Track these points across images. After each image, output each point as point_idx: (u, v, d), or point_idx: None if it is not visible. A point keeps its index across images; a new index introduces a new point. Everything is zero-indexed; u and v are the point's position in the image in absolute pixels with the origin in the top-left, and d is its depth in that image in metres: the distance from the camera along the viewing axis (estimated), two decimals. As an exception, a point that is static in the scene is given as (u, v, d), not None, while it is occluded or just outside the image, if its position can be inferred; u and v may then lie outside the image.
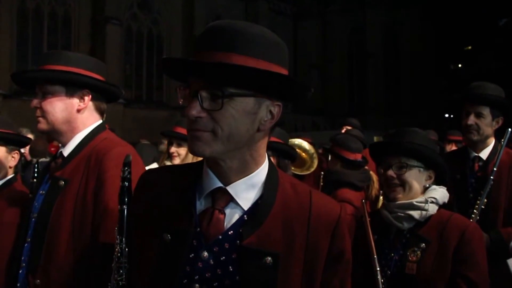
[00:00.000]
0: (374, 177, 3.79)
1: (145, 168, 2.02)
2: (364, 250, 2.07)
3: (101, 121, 2.10)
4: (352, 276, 1.30)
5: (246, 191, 1.20)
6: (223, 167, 1.18)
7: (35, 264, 1.86)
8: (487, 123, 3.03)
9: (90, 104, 2.03)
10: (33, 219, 1.94)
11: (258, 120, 1.15)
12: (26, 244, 1.94)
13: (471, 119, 3.03)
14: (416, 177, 2.07)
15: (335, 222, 1.23)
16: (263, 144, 1.22)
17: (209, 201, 1.21)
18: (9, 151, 2.57)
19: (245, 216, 1.19)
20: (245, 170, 1.20)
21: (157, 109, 27.34)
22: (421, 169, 2.07)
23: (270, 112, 1.17)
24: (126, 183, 1.31)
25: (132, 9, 27.39)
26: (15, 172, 2.66)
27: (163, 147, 5.54)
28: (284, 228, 1.19)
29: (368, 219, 2.14)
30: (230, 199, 1.20)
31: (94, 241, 1.80)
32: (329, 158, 4.38)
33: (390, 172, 2.09)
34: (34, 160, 4.95)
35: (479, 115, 3.02)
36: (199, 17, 28.80)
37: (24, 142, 2.71)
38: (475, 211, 2.87)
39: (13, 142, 2.60)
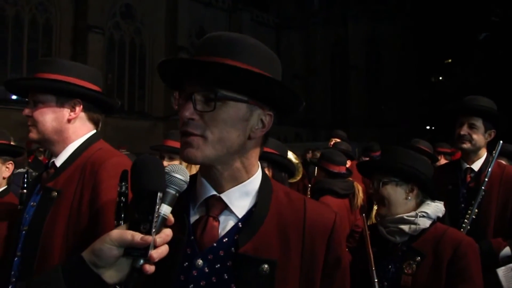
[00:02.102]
0: (359, 187, 4.10)
1: None
2: (363, 262, 2.12)
3: (95, 131, 2.04)
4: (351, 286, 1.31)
5: (240, 199, 1.21)
6: (216, 174, 1.19)
7: (27, 278, 1.77)
8: (480, 134, 3.09)
9: (82, 114, 1.97)
10: (23, 232, 1.86)
11: (249, 128, 1.17)
12: (16, 258, 1.86)
13: (464, 130, 3.09)
14: (392, 191, 2.14)
15: (330, 229, 1.24)
16: (254, 153, 1.23)
17: (203, 209, 1.21)
18: (3, 162, 2.53)
19: (239, 223, 1.19)
20: (238, 178, 1.21)
21: (138, 119, 27.18)
22: (397, 183, 2.14)
23: (262, 121, 1.19)
24: (123, 198, 1.29)
25: (115, 17, 27.27)
26: (8, 184, 2.60)
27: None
28: (280, 236, 1.19)
29: (368, 232, 2.20)
30: (224, 207, 1.20)
31: None
32: (316, 170, 4.71)
33: (371, 190, 2.23)
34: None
35: (472, 126, 3.08)
36: (182, 27, 28.84)
37: (18, 152, 2.65)
38: (466, 220, 2.92)
39: (7, 152, 2.55)
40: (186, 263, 1.15)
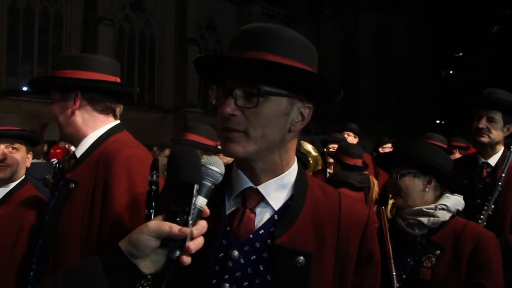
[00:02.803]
0: (374, 181, 4.12)
1: None
2: (381, 255, 2.09)
3: (116, 122, 2.01)
4: None
5: (277, 191, 1.21)
6: (253, 167, 1.18)
7: (44, 267, 1.79)
8: (498, 128, 3.02)
9: (86, 105, 1.92)
10: (46, 221, 1.89)
11: (289, 121, 1.17)
12: (38, 247, 1.89)
13: (483, 123, 3.02)
14: (410, 183, 2.13)
15: (365, 224, 1.24)
16: (293, 146, 1.23)
17: (239, 201, 1.21)
18: (27, 151, 2.54)
19: (275, 216, 1.19)
20: (275, 170, 1.21)
21: (148, 111, 27.23)
22: (415, 174, 2.13)
23: (301, 113, 1.19)
24: (154, 187, 1.29)
25: (124, 9, 27.28)
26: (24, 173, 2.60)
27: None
28: (315, 229, 1.20)
29: (387, 225, 2.20)
30: (261, 199, 1.20)
31: (101, 247, 1.73)
32: (327, 161, 4.85)
33: (389, 183, 2.23)
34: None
35: (491, 120, 3.02)
36: (192, 19, 28.82)
37: (37, 142, 2.65)
38: (482, 216, 2.88)
39: (32, 141, 2.55)
40: (222, 254, 1.16)
